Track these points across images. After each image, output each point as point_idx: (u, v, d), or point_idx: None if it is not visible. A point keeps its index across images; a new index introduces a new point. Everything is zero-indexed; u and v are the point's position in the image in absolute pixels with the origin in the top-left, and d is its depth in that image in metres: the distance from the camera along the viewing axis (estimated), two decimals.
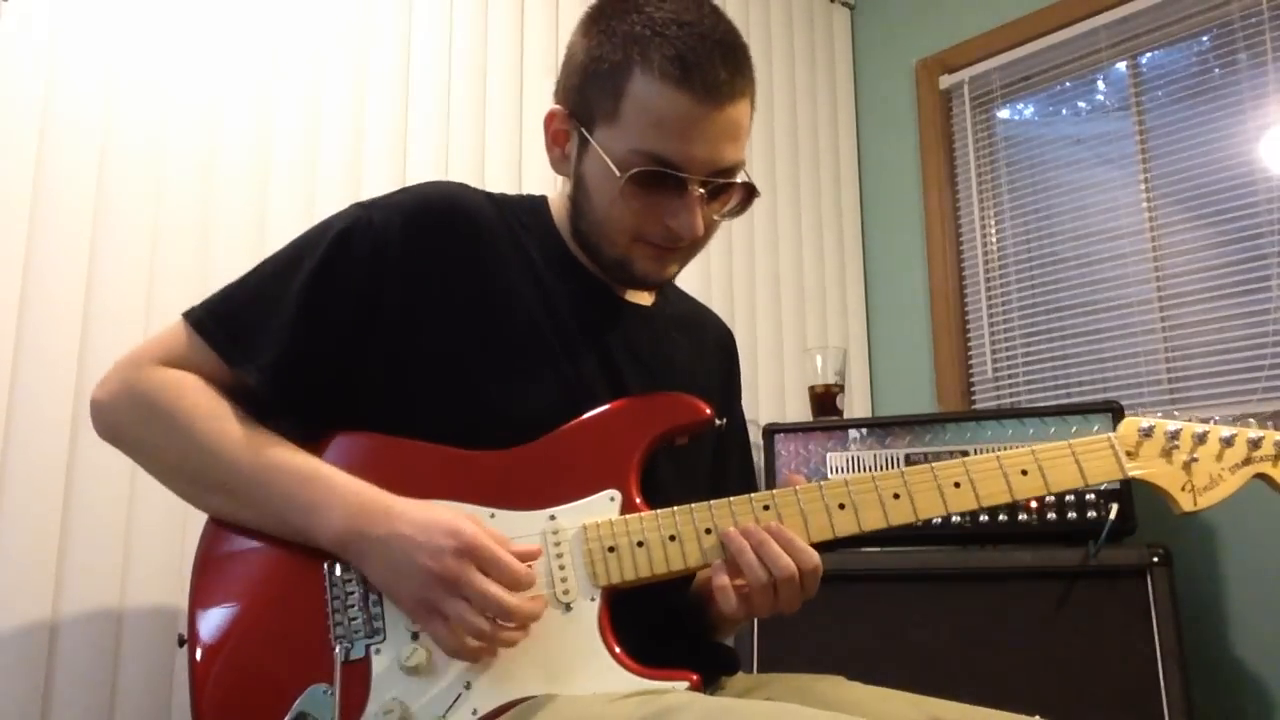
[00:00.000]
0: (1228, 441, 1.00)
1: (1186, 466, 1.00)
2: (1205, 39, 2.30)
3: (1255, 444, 1.00)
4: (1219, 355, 2.17)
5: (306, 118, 1.77)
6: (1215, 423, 1.01)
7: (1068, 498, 1.77)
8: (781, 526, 0.95)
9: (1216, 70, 2.27)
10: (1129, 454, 1.00)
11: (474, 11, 2.05)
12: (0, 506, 1.35)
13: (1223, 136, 2.22)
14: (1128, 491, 1.74)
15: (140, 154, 1.56)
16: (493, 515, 0.96)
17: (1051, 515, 1.78)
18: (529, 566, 0.91)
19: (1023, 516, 1.80)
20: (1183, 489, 0.99)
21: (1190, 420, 1.02)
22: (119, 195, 1.53)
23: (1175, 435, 1.00)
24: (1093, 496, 1.75)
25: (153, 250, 1.55)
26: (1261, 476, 1.00)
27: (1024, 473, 0.99)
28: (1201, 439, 1.00)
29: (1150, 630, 1.63)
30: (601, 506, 0.97)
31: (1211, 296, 2.20)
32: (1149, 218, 2.31)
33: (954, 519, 1.83)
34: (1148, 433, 1.01)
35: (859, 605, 1.79)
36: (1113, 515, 1.71)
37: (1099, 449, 1.00)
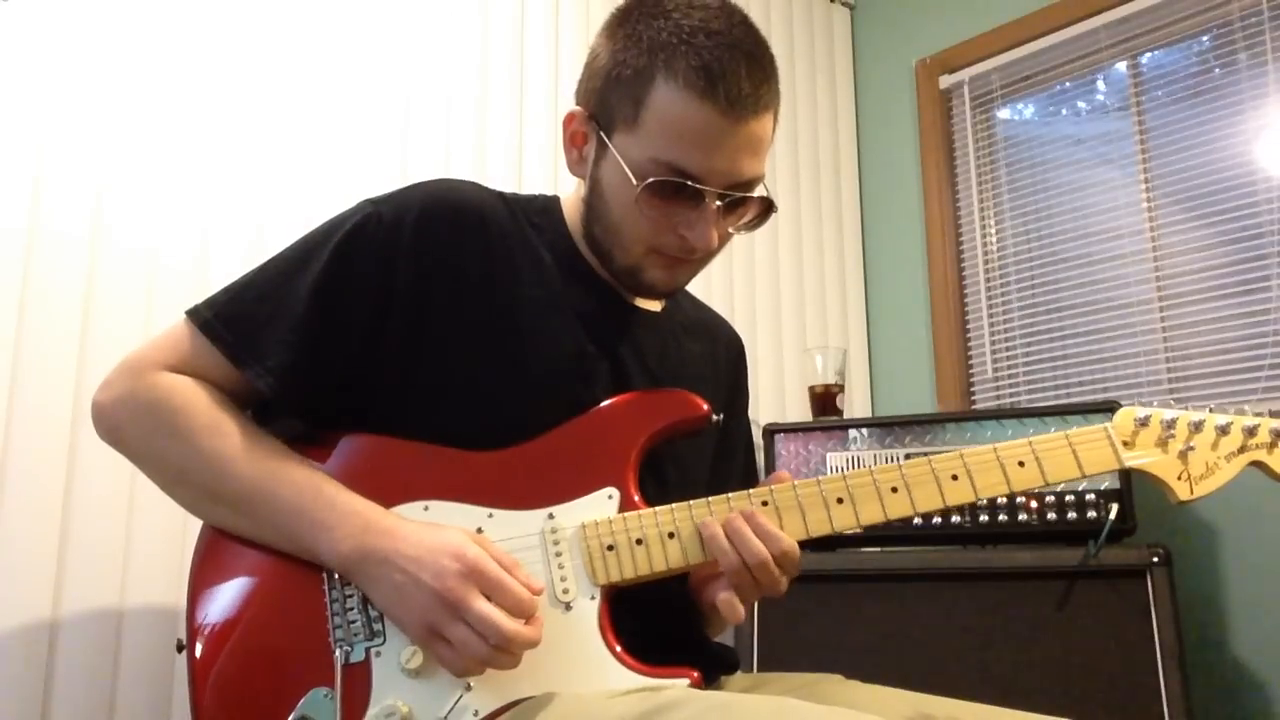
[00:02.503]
0: (1223, 429, 0.99)
1: (1183, 455, 0.99)
2: (1205, 39, 2.30)
3: (1251, 431, 0.99)
4: (1219, 355, 2.16)
5: (309, 115, 1.77)
6: (1211, 411, 1.00)
7: (1067, 497, 1.77)
8: (754, 512, 0.95)
9: (1216, 70, 2.27)
10: (1125, 444, 1.00)
11: (474, 10, 2.05)
12: (0, 506, 1.35)
13: (1223, 136, 2.22)
14: (1128, 491, 1.74)
15: (141, 153, 1.56)
16: (491, 515, 0.96)
17: (1051, 515, 1.78)
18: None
19: (1023, 516, 1.79)
20: (1179, 478, 0.99)
21: (1186, 409, 1.01)
22: (120, 193, 1.53)
23: (1171, 424, 1.00)
24: (1092, 496, 1.75)
25: (154, 248, 1.55)
26: (1257, 464, 0.99)
27: (1021, 464, 0.99)
28: (1197, 427, 1.00)
29: (1150, 630, 1.62)
30: (599, 504, 0.97)
31: (1211, 296, 2.19)
32: (1149, 218, 2.31)
33: (954, 518, 1.83)
34: (1144, 422, 1.00)
35: (859, 605, 1.79)
36: (1112, 515, 1.71)
37: (1095, 439, 1.00)
